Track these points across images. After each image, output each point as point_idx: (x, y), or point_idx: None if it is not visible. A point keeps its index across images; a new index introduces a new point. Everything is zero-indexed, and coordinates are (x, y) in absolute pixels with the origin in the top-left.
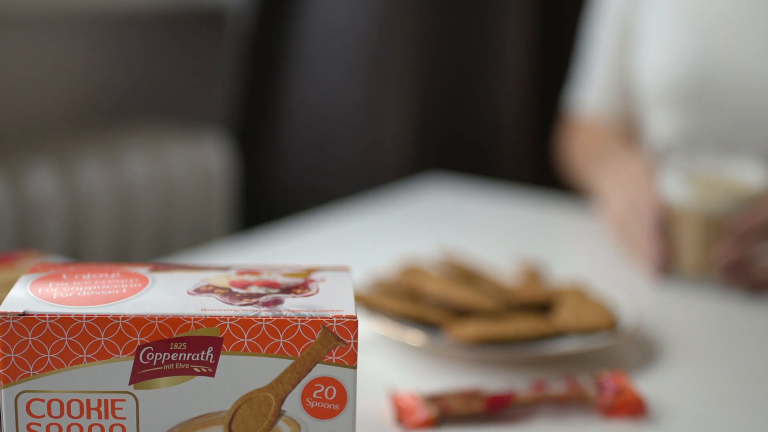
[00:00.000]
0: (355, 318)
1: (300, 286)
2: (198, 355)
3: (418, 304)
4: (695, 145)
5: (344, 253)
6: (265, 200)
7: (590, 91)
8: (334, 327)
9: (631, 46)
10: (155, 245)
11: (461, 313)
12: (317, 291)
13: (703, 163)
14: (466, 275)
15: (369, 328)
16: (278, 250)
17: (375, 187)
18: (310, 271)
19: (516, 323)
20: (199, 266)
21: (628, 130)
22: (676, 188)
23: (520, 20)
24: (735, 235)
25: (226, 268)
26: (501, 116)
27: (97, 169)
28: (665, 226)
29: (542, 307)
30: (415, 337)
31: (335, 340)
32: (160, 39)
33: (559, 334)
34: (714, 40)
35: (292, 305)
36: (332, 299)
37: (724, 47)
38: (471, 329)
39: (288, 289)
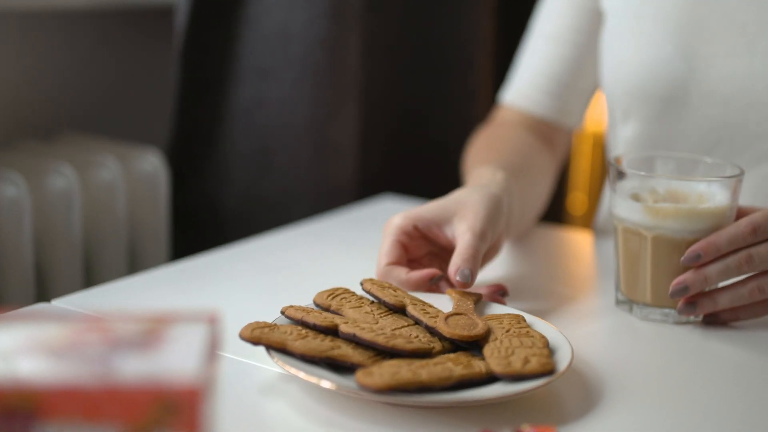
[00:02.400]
0: (200, 386)
1: (145, 342)
2: (9, 428)
3: (335, 341)
4: (668, 151)
5: (280, 278)
6: (204, 220)
7: (513, 87)
8: (173, 396)
9: (595, 45)
10: (78, 271)
11: (380, 351)
12: (164, 349)
13: (659, 180)
14: (396, 305)
15: (277, 366)
16: (209, 277)
17: (326, 202)
18: (166, 321)
19: (435, 365)
20: (44, 315)
21: (552, 129)
22: (629, 210)
23: (486, 21)
24: (694, 261)
25: (69, 319)
26: (467, 123)
27: (18, 188)
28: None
29: (474, 341)
30: (325, 379)
31: (172, 412)
32: (93, 45)
33: (486, 376)
34: (690, 43)
35: (127, 368)
36: (180, 359)
37: (700, 50)
38: (380, 375)
39: (129, 347)
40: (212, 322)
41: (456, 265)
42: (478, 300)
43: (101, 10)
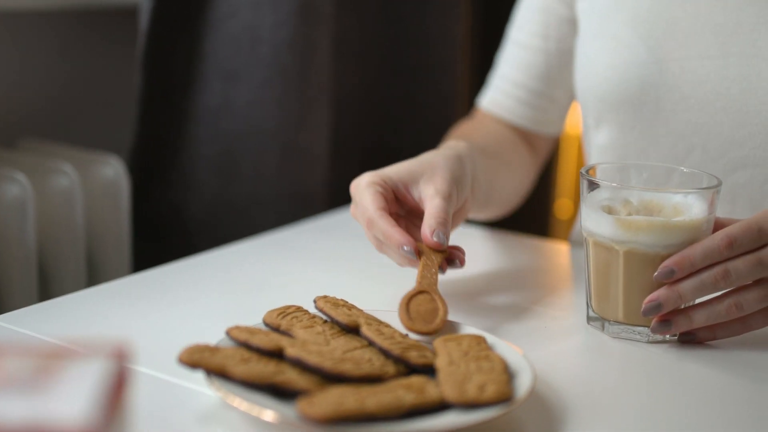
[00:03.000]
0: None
1: (35, 381)
2: None
3: (281, 364)
4: (641, 158)
5: (242, 292)
6: (169, 229)
7: (488, 94)
8: None
9: (569, 54)
10: (32, 284)
11: (328, 377)
12: (55, 390)
13: (632, 192)
14: (349, 325)
15: (215, 394)
16: (168, 290)
17: (295, 210)
18: (63, 356)
19: (385, 393)
20: None
21: (530, 135)
22: (600, 223)
23: (462, 21)
24: (668, 277)
25: None
26: (444, 128)
27: None
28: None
29: (430, 366)
30: (266, 407)
31: None
32: (52, 47)
33: (439, 404)
34: (662, 46)
35: (11, 412)
36: (71, 402)
37: (673, 53)
38: (323, 404)
39: (17, 387)
40: (119, 356)
41: (431, 227)
42: (444, 257)
43: (60, 11)
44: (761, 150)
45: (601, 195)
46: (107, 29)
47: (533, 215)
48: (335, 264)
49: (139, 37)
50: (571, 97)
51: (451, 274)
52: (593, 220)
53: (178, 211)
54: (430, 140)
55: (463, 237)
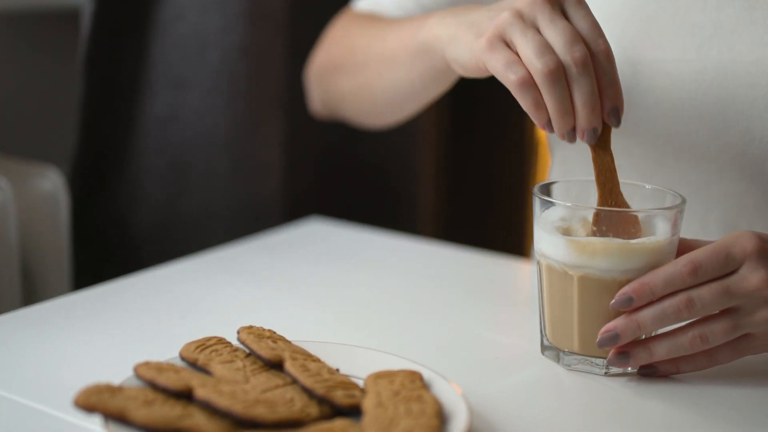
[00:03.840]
0: None
1: None
2: None
3: (189, 407)
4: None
5: (181, 315)
6: (114, 244)
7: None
8: None
9: None
10: None
11: (239, 422)
12: None
13: (589, 211)
14: (272, 360)
15: None
16: (105, 311)
17: (248, 223)
18: None
19: None
20: None
21: None
22: (553, 245)
23: None
24: (626, 306)
25: None
26: (405, 138)
27: None
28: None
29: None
30: None
31: None
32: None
33: None
34: (636, 46)
35: None
36: None
37: (647, 54)
38: None
39: None
40: None
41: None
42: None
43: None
44: (737, 164)
45: (555, 214)
46: (46, 33)
47: (509, 231)
48: (278, 286)
49: (80, 42)
50: None
51: (392, 293)
52: (546, 242)
53: (124, 225)
54: (392, 151)
55: (411, 254)
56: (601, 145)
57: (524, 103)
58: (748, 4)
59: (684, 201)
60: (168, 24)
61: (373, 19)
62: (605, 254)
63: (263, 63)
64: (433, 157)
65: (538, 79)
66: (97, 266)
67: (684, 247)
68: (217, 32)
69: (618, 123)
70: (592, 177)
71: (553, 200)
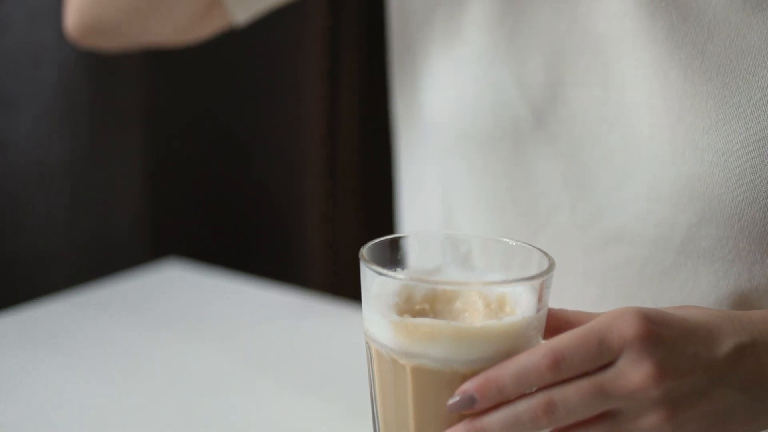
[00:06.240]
0: None
1: None
2: None
3: None
4: (493, 216)
5: None
6: None
7: None
8: None
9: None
10: None
11: None
12: None
13: (427, 284)
14: None
15: None
16: None
17: (95, 265)
18: None
19: None
20: None
21: None
22: (377, 326)
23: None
24: (467, 408)
25: None
26: (291, 159)
27: None
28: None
29: None
30: None
31: None
32: None
33: None
34: (527, 65)
35: None
36: None
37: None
38: None
39: None
40: None
41: None
42: None
43: None
44: (641, 222)
45: (389, 286)
46: None
47: None
48: (127, 342)
49: None
50: None
51: (220, 374)
52: (372, 322)
53: None
54: (278, 174)
55: (272, 309)
56: None
57: None
58: (646, 11)
59: (552, 265)
60: None
61: None
62: (439, 340)
63: (111, 77)
64: (323, 185)
65: None
66: None
67: (559, 323)
68: (50, 45)
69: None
70: (449, 232)
71: (376, 269)
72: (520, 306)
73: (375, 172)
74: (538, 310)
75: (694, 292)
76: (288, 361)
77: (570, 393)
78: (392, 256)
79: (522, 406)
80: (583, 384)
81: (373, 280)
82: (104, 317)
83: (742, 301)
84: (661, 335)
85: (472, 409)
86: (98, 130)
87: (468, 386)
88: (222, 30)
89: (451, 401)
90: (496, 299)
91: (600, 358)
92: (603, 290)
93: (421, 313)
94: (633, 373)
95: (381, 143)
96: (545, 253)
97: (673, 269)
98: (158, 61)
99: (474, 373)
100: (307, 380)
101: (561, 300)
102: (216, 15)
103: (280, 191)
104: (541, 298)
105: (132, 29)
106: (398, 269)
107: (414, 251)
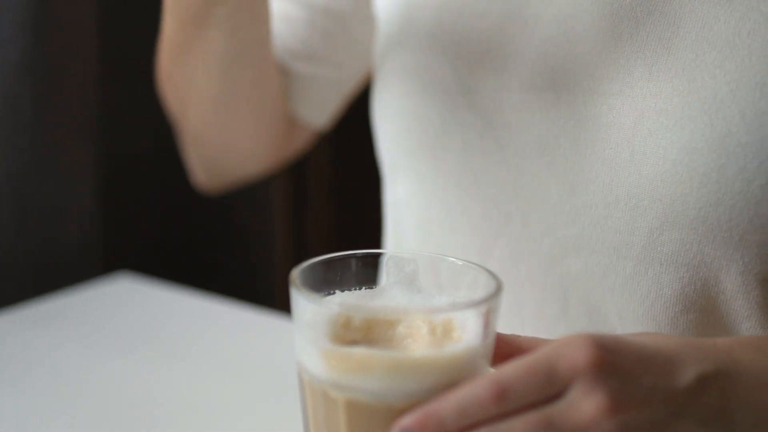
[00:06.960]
0: None
1: None
2: None
3: None
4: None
5: None
6: None
7: None
8: None
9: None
10: None
11: None
12: None
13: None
14: None
15: None
16: None
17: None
18: None
19: None
20: None
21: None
22: (307, 355)
23: None
24: None
25: None
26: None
27: None
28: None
29: None
30: None
31: None
32: None
33: None
34: (474, 69)
35: None
36: None
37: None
38: None
39: None
40: None
41: None
42: None
43: None
44: (599, 230)
45: (322, 312)
46: None
47: None
48: (34, 372)
49: None
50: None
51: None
52: (303, 351)
53: None
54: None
55: (228, 325)
56: None
57: None
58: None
59: (500, 287)
60: None
61: None
62: (376, 371)
63: (58, 80)
64: (289, 200)
65: None
66: None
67: (511, 349)
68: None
69: None
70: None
71: (308, 294)
72: (467, 332)
73: (346, 176)
74: (484, 337)
75: (658, 301)
76: (241, 377)
77: (516, 427)
78: (329, 277)
79: None
80: (531, 417)
81: (305, 306)
82: (48, 332)
83: (710, 310)
84: (615, 363)
85: None
86: (43, 139)
87: (406, 421)
88: (313, 139)
89: None
90: (442, 324)
91: (549, 388)
92: (564, 303)
93: (357, 341)
94: (584, 404)
95: (353, 146)
96: (493, 275)
97: (635, 278)
98: (112, 69)
99: (413, 408)
100: (259, 397)
101: (522, 315)
102: (299, 130)
103: (242, 200)
104: (488, 324)
105: (230, 163)
106: (336, 291)
107: (353, 272)
